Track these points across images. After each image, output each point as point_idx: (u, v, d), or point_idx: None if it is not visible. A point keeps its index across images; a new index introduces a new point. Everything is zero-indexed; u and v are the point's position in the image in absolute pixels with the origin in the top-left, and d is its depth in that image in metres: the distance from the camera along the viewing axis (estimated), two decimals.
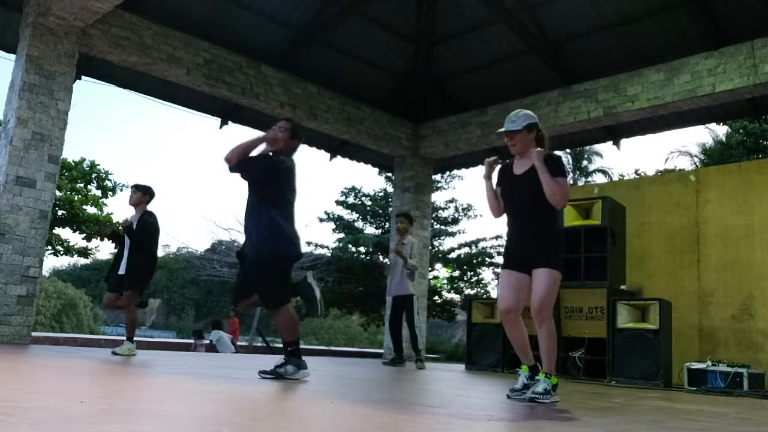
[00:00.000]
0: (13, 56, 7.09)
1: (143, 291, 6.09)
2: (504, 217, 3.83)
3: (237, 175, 4.16)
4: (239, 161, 4.10)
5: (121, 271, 5.92)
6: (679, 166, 21.43)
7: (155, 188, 6.28)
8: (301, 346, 4.23)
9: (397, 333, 7.60)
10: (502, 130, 3.71)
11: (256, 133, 4.43)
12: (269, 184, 4.16)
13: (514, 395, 3.60)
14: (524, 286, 3.61)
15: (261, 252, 4.06)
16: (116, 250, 6.28)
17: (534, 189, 3.59)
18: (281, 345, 4.30)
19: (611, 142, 10.18)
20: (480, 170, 3.94)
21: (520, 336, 3.67)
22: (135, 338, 5.97)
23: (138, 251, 5.92)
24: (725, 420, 3.38)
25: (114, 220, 15.27)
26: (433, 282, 21.48)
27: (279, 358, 4.18)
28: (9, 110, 6.72)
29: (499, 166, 3.86)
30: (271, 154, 4.26)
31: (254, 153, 4.21)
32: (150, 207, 6.19)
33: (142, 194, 6.13)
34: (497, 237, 23.33)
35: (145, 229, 5.97)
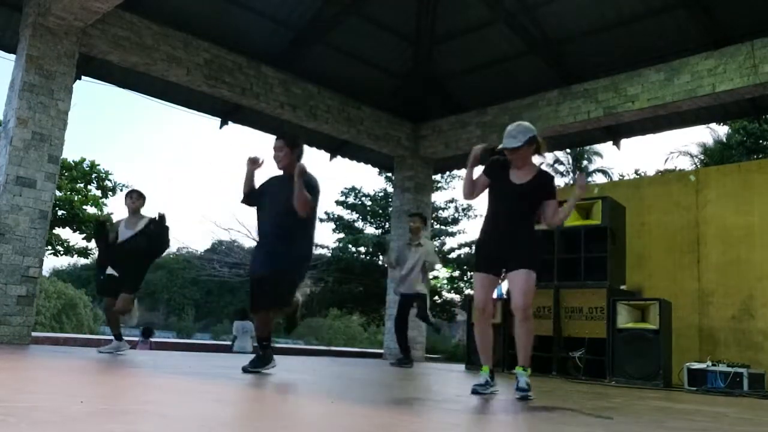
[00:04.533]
0: (13, 56, 7.09)
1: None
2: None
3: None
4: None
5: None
6: (679, 166, 21.44)
7: (155, 188, 6.27)
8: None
9: (405, 332, 7.47)
10: (502, 146, 3.80)
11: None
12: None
13: (481, 389, 3.76)
14: (493, 287, 3.95)
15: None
16: (100, 249, 6.10)
17: (531, 201, 3.85)
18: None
19: (611, 142, 10.18)
20: (480, 170, 4.02)
21: (489, 335, 3.93)
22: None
23: (146, 257, 5.87)
24: (725, 420, 3.38)
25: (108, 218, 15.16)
26: (433, 282, 21.49)
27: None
28: (9, 110, 6.72)
29: (491, 157, 3.99)
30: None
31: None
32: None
33: (144, 200, 6.09)
34: None
35: (164, 236, 5.89)
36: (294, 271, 4.49)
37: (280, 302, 4.44)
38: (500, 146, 3.82)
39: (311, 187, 4.37)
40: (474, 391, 3.75)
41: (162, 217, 5.90)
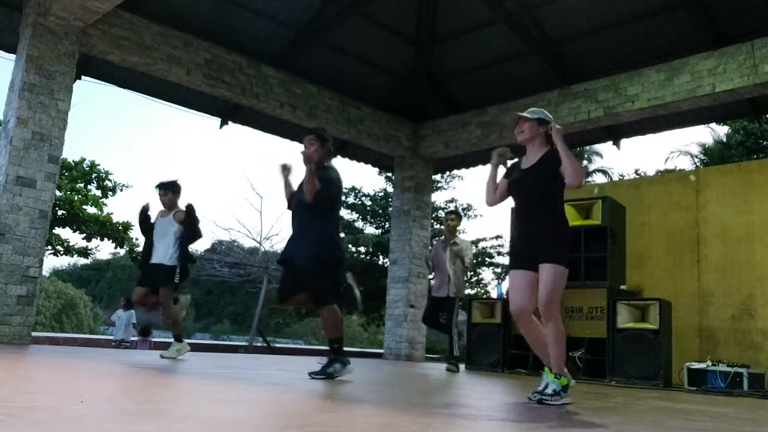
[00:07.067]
0: (13, 56, 7.08)
1: (178, 287, 5.89)
2: (503, 213, 3.97)
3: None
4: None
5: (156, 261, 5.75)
6: (679, 166, 21.43)
7: (155, 188, 6.15)
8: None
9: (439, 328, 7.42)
10: (519, 113, 3.82)
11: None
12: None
13: (534, 396, 3.48)
14: (533, 284, 3.55)
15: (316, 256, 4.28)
16: (145, 240, 6.04)
17: (539, 181, 3.65)
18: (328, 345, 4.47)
19: (611, 142, 10.17)
20: (480, 169, 4.00)
21: (537, 336, 3.62)
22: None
23: (186, 245, 5.80)
24: (725, 420, 3.38)
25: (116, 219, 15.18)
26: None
27: (324, 359, 4.33)
28: (9, 110, 6.72)
29: (509, 162, 3.91)
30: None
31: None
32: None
33: (173, 193, 5.99)
34: (497, 237, 23.34)
35: (193, 225, 5.82)
36: (314, 269, 4.28)
37: (317, 295, 4.33)
38: (516, 113, 3.87)
39: (325, 179, 4.30)
40: (530, 399, 3.49)
41: (189, 207, 5.84)
